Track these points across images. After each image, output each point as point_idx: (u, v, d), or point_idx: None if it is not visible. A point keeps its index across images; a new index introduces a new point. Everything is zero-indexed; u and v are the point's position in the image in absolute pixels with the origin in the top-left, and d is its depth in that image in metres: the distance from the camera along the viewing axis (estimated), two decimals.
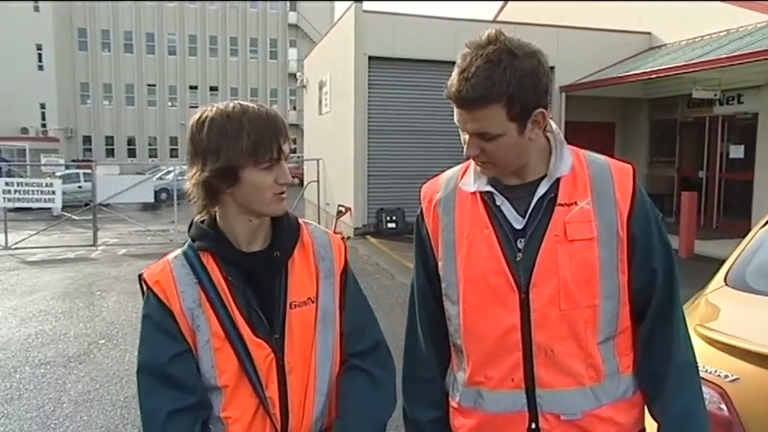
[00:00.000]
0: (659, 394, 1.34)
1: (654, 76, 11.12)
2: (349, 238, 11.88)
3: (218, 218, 1.34)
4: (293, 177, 1.36)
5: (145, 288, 1.32)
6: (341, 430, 1.34)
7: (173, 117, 45.81)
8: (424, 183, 1.52)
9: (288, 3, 48.84)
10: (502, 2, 19.47)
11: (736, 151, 12.09)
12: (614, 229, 1.31)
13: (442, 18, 13.17)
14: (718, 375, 2.07)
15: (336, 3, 47.68)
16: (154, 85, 46.41)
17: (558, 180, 1.33)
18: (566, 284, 1.29)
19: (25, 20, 40.57)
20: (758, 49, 9.07)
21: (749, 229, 3.25)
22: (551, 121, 1.35)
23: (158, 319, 1.29)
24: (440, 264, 1.43)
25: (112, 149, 45.35)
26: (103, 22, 45.13)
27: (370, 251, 11.14)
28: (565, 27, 13.24)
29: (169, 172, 23.20)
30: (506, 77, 1.21)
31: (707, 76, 11.00)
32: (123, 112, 45.76)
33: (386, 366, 1.45)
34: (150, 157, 45.41)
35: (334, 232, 1.50)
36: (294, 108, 45.68)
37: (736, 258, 2.81)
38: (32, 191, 12.40)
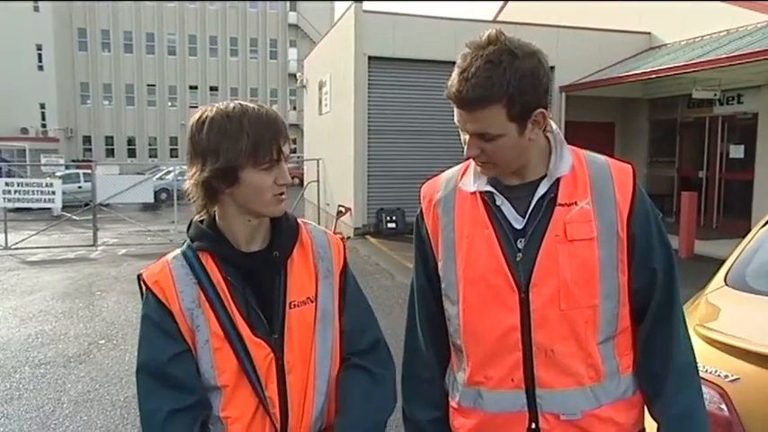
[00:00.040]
0: (659, 394, 1.34)
1: (654, 76, 11.11)
2: (349, 238, 11.88)
3: (217, 218, 1.33)
4: (293, 177, 1.36)
5: (144, 288, 1.32)
6: (341, 429, 1.33)
7: (173, 117, 45.80)
8: (424, 183, 1.52)
9: (288, 3, 48.82)
10: (502, 2, 19.47)
11: (736, 151, 12.09)
12: (614, 229, 1.31)
13: (442, 18, 13.16)
14: (719, 375, 2.06)
15: (336, 3, 47.77)
16: (154, 86, 46.39)
17: (558, 180, 1.33)
18: (566, 284, 1.29)
19: (25, 20, 40.56)
20: (758, 49, 9.06)
21: (749, 229, 3.25)
22: (551, 122, 1.35)
23: (157, 320, 1.29)
24: (440, 264, 1.43)
25: (112, 149, 45.34)
26: (103, 22, 45.10)
27: (369, 251, 11.13)
28: (565, 27, 13.23)
29: (169, 172, 23.21)
30: (506, 78, 1.21)
31: (707, 76, 11.00)
32: (123, 113, 45.75)
33: (386, 365, 1.45)
34: (150, 157, 45.36)
35: (335, 232, 1.50)
36: (294, 108, 45.68)
37: (736, 258, 2.80)
38: (32, 191, 12.40)
